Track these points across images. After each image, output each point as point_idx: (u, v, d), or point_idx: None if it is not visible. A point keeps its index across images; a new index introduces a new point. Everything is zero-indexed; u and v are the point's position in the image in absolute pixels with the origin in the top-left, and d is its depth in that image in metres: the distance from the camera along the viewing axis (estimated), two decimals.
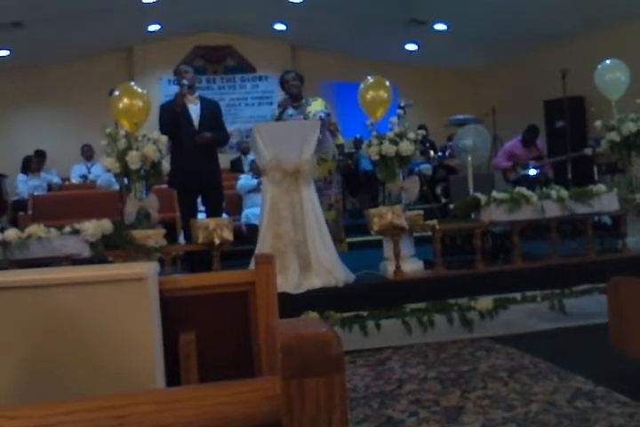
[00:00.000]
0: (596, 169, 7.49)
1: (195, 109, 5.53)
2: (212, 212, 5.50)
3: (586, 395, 3.17)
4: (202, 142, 5.42)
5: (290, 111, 5.57)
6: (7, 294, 1.62)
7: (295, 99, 5.62)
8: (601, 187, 5.30)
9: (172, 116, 5.39)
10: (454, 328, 4.51)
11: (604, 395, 3.15)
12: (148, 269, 1.72)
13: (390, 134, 5.00)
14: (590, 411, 2.96)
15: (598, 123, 5.81)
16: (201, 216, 5.79)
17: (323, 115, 5.45)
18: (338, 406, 0.80)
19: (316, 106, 5.55)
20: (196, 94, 5.66)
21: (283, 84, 5.69)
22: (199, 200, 5.80)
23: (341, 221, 5.61)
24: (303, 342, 0.81)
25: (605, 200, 5.26)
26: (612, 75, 5.94)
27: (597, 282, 4.71)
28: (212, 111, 5.64)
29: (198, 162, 5.40)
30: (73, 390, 1.57)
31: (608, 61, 6.04)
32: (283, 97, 5.76)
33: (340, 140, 5.63)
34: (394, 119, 5.13)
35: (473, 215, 5.16)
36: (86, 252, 4.32)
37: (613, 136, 5.65)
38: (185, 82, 5.47)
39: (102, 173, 9.19)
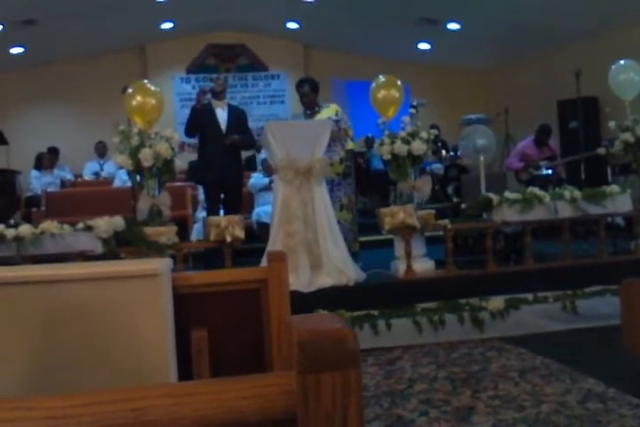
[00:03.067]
0: (609, 170, 7.45)
1: (222, 115, 5.92)
2: (230, 208, 5.77)
3: (597, 396, 3.16)
4: (230, 144, 5.80)
5: (301, 119, 5.72)
6: (21, 289, 1.62)
7: (308, 107, 5.72)
8: (614, 188, 5.26)
9: (195, 114, 5.83)
10: (465, 328, 4.49)
11: (616, 397, 3.13)
12: (162, 265, 1.72)
13: (402, 134, 5.00)
14: (602, 413, 2.94)
15: (612, 123, 5.77)
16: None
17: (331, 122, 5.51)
18: (353, 402, 0.80)
19: (326, 113, 5.60)
20: (225, 100, 6.07)
21: (299, 90, 5.78)
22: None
23: (353, 222, 5.61)
24: (319, 337, 0.80)
25: (618, 201, 5.22)
26: (626, 75, 5.90)
27: (609, 283, 4.67)
28: (238, 117, 6.04)
29: (224, 162, 5.76)
30: (85, 385, 1.57)
31: (622, 62, 6.00)
32: (295, 112, 6.04)
33: (351, 145, 5.62)
34: (406, 118, 5.13)
35: (485, 215, 5.14)
36: (99, 248, 4.35)
37: (627, 137, 5.61)
38: (210, 84, 6.13)
39: (115, 170, 9.24)
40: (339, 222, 5.37)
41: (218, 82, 6.07)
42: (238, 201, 5.99)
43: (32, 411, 0.70)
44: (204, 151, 5.96)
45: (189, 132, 6.06)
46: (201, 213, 7.05)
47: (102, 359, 1.62)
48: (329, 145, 5.43)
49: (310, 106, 5.68)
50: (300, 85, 5.75)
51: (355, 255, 5.33)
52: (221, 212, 5.82)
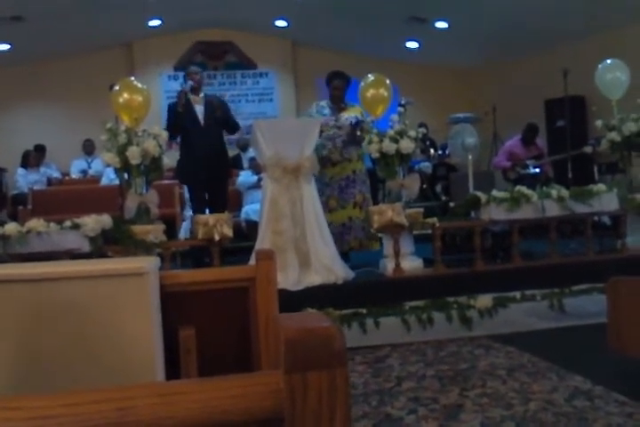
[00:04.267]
0: (596, 169, 7.49)
1: (200, 109, 5.68)
2: (215, 206, 5.57)
3: (584, 394, 3.17)
4: (217, 117, 5.63)
5: (326, 111, 5.66)
6: (7, 288, 1.61)
7: (335, 101, 5.71)
8: (601, 187, 5.30)
9: (176, 116, 5.56)
10: (453, 326, 4.50)
11: (603, 394, 3.15)
12: (149, 263, 1.71)
13: (391, 132, 5.00)
14: (588, 410, 2.96)
15: (599, 122, 5.81)
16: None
17: (353, 120, 5.55)
18: (341, 401, 0.79)
19: (352, 112, 5.64)
20: (202, 95, 5.81)
21: (329, 83, 5.75)
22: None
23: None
24: (306, 336, 0.80)
25: (605, 200, 5.26)
26: (612, 74, 5.93)
27: (597, 282, 4.70)
28: (215, 107, 5.76)
29: (206, 159, 5.53)
30: (72, 384, 1.56)
31: (609, 61, 6.04)
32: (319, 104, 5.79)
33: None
34: (394, 117, 5.13)
35: (473, 214, 5.16)
36: (86, 247, 4.32)
37: (614, 136, 5.65)
38: (190, 83, 5.66)
39: (103, 168, 9.19)
40: (350, 220, 5.40)
41: (196, 77, 5.75)
42: (223, 199, 5.80)
43: (15, 411, 0.69)
44: (186, 149, 5.74)
45: (172, 132, 5.80)
46: (189, 212, 7.03)
47: (89, 358, 1.61)
48: (344, 143, 5.48)
49: (340, 100, 5.70)
50: (334, 77, 5.73)
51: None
52: (207, 211, 5.72)
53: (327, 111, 5.66)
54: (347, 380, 0.81)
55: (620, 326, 3.28)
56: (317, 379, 0.79)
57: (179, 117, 5.54)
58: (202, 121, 5.64)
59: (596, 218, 5.79)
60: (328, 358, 0.80)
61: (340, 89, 5.67)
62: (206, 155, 5.53)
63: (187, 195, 7.15)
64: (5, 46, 9.81)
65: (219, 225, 4.58)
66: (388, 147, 4.91)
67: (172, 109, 5.68)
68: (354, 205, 5.48)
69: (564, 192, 5.14)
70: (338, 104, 5.70)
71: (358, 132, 5.50)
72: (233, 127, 5.97)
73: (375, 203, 5.53)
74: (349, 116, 5.59)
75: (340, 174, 5.48)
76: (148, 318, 1.66)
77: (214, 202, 5.70)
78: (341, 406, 0.80)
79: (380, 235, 5.25)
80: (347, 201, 5.44)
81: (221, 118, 5.75)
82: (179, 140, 5.91)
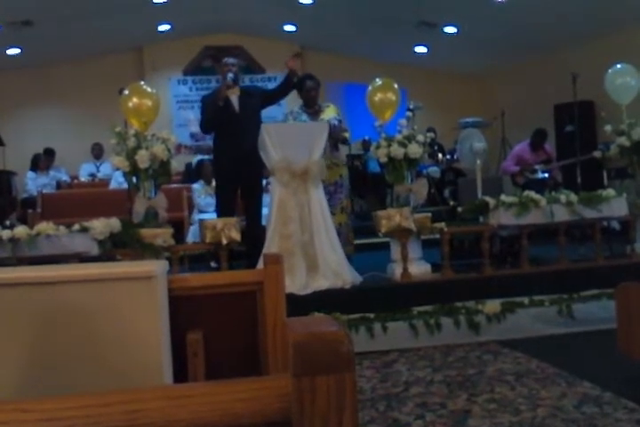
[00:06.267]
0: (605, 174, 7.45)
1: (235, 100, 5.44)
2: (250, 206, 5.45)
3: (593, 400, 3.16)
4: (253, 105, 5.42)
5: (303, 117, 5.52)
6: (16, 291, 1.62)
7: (309, 105, 5.58)
8: (610, 192, 5.27)
9: (215, 110, 5.33)
10: (461, 331, 4.49)
11: (612, 401, 3.13)
12: (158, 267, 1.72)
13: (399, 137, 5.00)
14: (597, 417, 2.94)
15: (608, 127, 5.79)
16: (212, 216, 5.80)
17: (336, 122, 5.46)
18: (348, 405, 0.80)
19: (330, 113, 5.57)
20: (237, 87, 5.55)
21: (301, 88, 5.57)
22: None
23: (350, 225, 5.61)
24: (314, 340, 0.80)
25: (614, 205, 5.24)
26: (622, 79, 5.91)
27: (605, 287, 4.68)
28: (252, 95, 5.54)
29: (241, 153, 5.26)
30: (80, 387, 1.57)
31: (618, 66, 6.02)
32: (291, 109, 5.68)
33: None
34: (403, 121, 5.13)
35: (481, 219, 5.15)
36: (94, 250, 4.34)
37: (623, 141, 5.63)
38: (231, 75, 5.41)
39: (111, 172, 9.23)
40: (340, 225, 5.39)
41: (234, 69, 5.49)
42: (259, 195, 5.52)
43: (27, 413, 0.70)
44: (219, 145, 5.49)
45: (208, 128, 5.60)
46: (197, 216, 7.05)
47: (97, 361, 1.62)
48: (336, 147, 5.46)
49: (313, 103, 5.59)
50: (305, 79, 5.58)
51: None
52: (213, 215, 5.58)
53: (305, 117, 5.52)
54: (354, 384, 0.81)
55: (630, 332, 3.27)
56: (325, 383, 0.79)
57: (218, 111, 5.31)
58: (238, 111, 5.39)
59: (605, 223, 5.76)
60: (336, 362, 0.80)
61: (313, 90, 5.53)
62: (243, 149, 5.25)
63: (197, 199, 7.17)
64: (16, 50, 9.88)
65: (226, 229, 4.59)
66: (397, 151, 4.91)
67: (207, 103, 5.47)
68: (341, 210, 5.48)
69: (573, 197, 5.13)
70: (312, 107, 5.57)
71: (340, 135, 5.46)
72: (281, 92, 5.66)
73: (383, 207, 5.52)
74: (329, 117, 5.47)
75: (327, 180, 5.29)
76: (157, 322, 1.66)
77: (249, 198, 5.50)
78: (349, 410, 0.80)
79: (389, 239, 5.24)
80: (335, 207, 5.36)
81: (257, 104, 5.50)
82: (195, 142, 5.76)
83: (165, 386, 1.29)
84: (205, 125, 5.60)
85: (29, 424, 0.70)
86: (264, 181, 6.56)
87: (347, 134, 5.41)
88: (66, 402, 0.73)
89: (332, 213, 5.35)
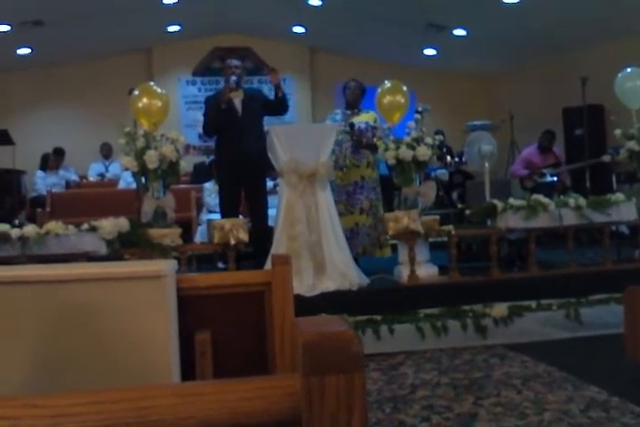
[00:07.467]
0: (614, 178, 7.43)
1: (238, 103, 5.44)
2: (255, 208, 5.46)
3: (600, 405, 3.14)
4: (255, 108, 5.42)
5: (338, 117, 5.73)
6: (25, 289, 1.63)
7: (350, 106, 5.77)
8: (619, 196, 5.26)
9: (217, 111, 5.34)
10: (468, 335, 4.48)
11: (619, 405, 3.12)
12: (167, 266, 1.72)
13: (407, 139, 5.00)
14: (604, 421, 2.93)
15: (618, 131, 5.77)
16: (216, 217, 5.81)
17: (363, 126, 5.57)
18: (358, 405, 0.80)
19: (363, 117, 5.67)
20: (241, 90, 5.54)
21: (345, 89, 5.85)
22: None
23: (380, 227, 5.48)
24: (324, 340, 0.81)
25: (623, 209, 5.22)
26: (632, 83, 5.89)
27: (614, 291, 4.66)
28: (251, 97, 5.53)
29: (243, 155, 5.28)
30: (88, 386, 1.57)
31: (629, 70, 5.99)
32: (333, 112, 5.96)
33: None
34: (411, 124, 5.13)
35: (489, 222, 5.14)
36: (103, 249, 4.36)
37: (633, 145, 5.61)
38: (234, 78, 5.42)
39: (120, 171, 9.26)
40: (357, 225, 5.40)
41: (237, 71, 5.48)
42: (262, 196, 5.51)
43: (38, 409, 0.70)
44: (221, 147, 5.48)
45: (210, 130, 5.58)
46: (205, 216, 7.07)
47: (105, 360, 1.62)
48: (357, 149, 5.50)
49: (354, 104, 5.76)
50: (350, 82, 5.85)
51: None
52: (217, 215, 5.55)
53: (339, 117, 5.72)
54: (364, 384, 0.81)
55: (637, 337, 3.25)
56: (335, 382, 0.79)
57: (220, 113, 5.31)
58: (240, 114, 5.40)
59: (613, 227, 5.74)
60: (345, 362, 0.80)
61: (354, 91, 5.73)
62: (245, 150, 5.26)
63: (207, 198, 7.19)
64: (26, 50, 9.93)
65: (234, 230, 4.59)
66: (405, 154, 4.90)
67: (211, 105, 5.47)
68: (360, 211, 5.48)
69: (582, 201, 5.11)
70: (352, 109, 5.75)
71: (364, 139, 5.49)
72: (278, 106, 5.59)
73: (391, 209, 5.52)
74: (359, 121, 5.62)
75: (346, 180, 5.47)
76: (165, 321, 1.67)
77: (254, 200, 5.50)
78: (358, 409, 0.80)
79: (397, 241, 5.23)
80: (354, 206, 5.44)
81: (259, 108, 5.49)
82: (203, 143, 5.78)
83: (175, 384, 1.30)
84: (208, 128, 5.62)
85: (40, 420, 0.70)
86: (272, 183, 6.54)
87: (378, 142, 5.32)
88: (76, 398, 0.73)
89: (351, 213, 5.40)
